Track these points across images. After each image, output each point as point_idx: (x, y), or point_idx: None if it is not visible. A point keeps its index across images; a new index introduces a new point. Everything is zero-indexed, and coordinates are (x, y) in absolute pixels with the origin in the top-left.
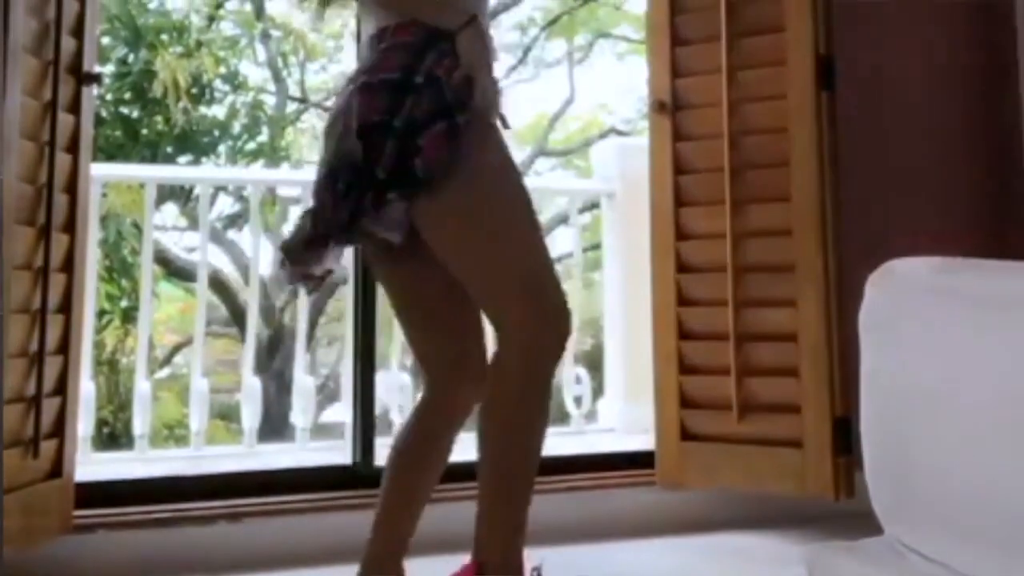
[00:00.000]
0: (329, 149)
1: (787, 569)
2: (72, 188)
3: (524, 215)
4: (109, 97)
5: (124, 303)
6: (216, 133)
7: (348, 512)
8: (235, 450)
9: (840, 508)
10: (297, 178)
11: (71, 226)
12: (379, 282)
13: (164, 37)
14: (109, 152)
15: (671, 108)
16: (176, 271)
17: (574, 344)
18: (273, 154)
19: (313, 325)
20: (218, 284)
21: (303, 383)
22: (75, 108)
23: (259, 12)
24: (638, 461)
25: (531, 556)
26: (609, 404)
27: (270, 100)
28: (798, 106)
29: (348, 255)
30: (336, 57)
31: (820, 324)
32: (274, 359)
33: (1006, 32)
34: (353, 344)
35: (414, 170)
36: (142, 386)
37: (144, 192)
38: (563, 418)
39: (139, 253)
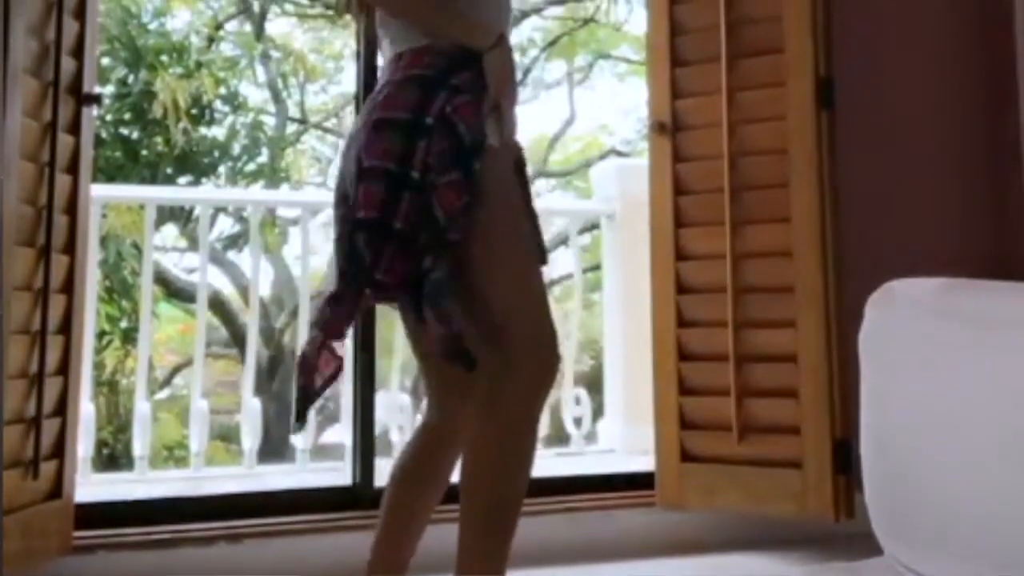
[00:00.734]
0: (344, 175)
1: None
2: (72, 209)
3: (524, 251)
4: (109, 118)
5: (124, 324)
6: (216, 154)
7: (348, 533)
8: (235, 471)
9: (840, 529)
10: (297, 199)
11: (71, 247)
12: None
13: (164, 58)
14: (109, 173)
15: (671, 129)
16: (176, 292)
17: (573, 365)
18: (273, 175)
19: None
20: (218, 305)
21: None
22: (75, 129)
23: (259, 33)
24: (638, 482)
25: None
26: (609, 425)
27: (270, 121)
28: (798, 127)
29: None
30: (336, 78)
31: (820, 345)
32: (274, 380)
33: (1006, 51)
34: (353, 365)
35: (438, 224)
36: (142, 407)
37: (144, 213)
38: (563, 439)
39: (139, 274)
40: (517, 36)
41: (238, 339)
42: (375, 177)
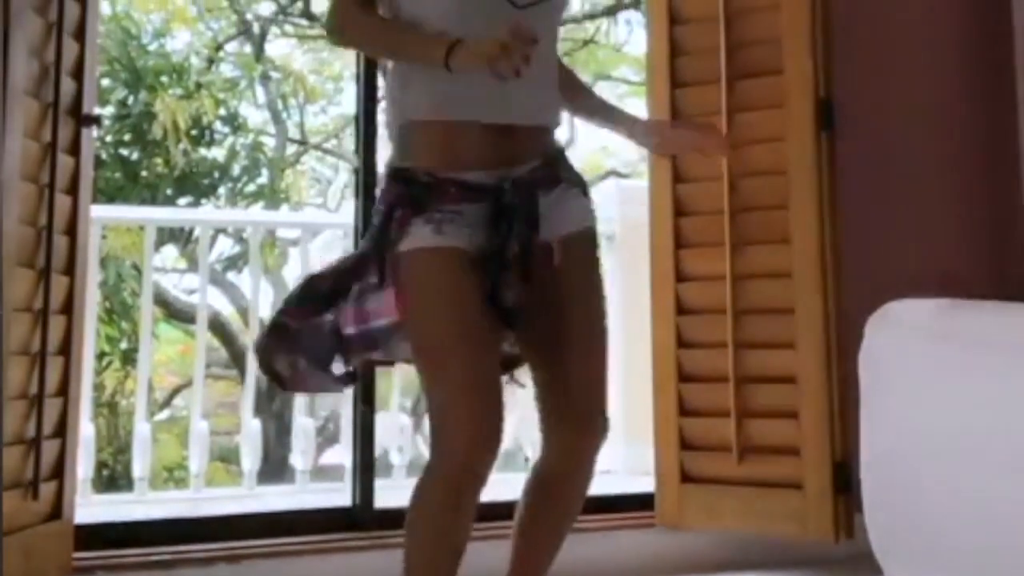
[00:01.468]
0: None
1: None
2: (72, 230)
3: (439, 338)
4: (109, 139)
5: (124, 345)
6: (216, 175)
7: (348, 554)
8: (235, 492)
9: (840, 550)
10: (297, 220)
11: (71, 268)
12: None
13: (164, 79)
14: (109, 194)
15: None
16: (176, 313)
17: None
18: (273, 196)
19: None
20: (218, 326)
21: (303, 425)
22: (75, 150)
23: (259, 54)
24: (638, 503)
25: None
26: (609, 446)
27: (270, 142)
28: (798, 148)
29: None
30: (336, 99)
31: (820, 366)
32: (274, 401)
33: (1006, 72)
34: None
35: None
36: (142, 428)
37: (144, 234)
38: None
39: (139, 295)
40: None
41: (238, 360)
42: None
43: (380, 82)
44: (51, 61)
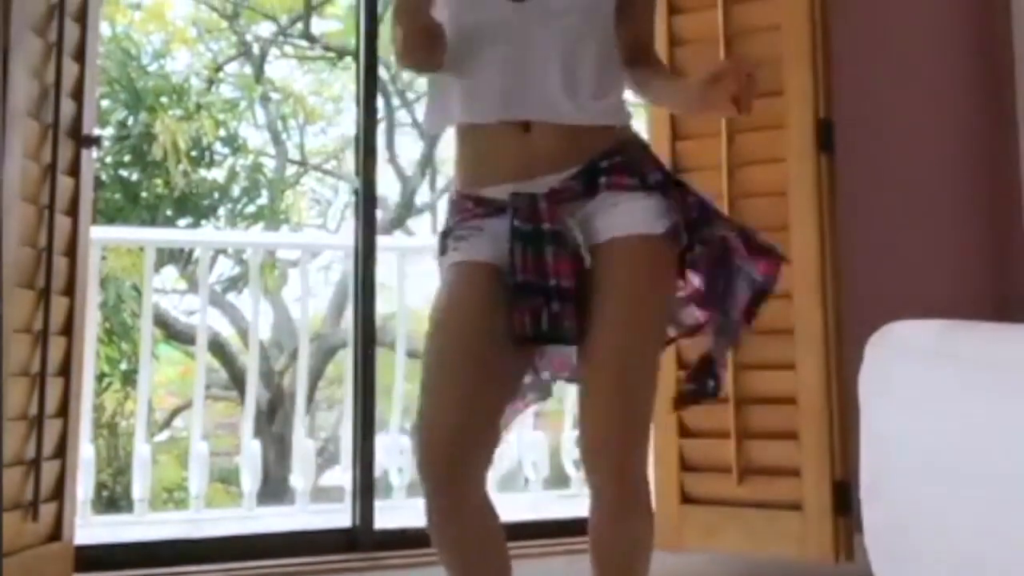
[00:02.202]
0: None
1: None
2: (72, 251)
3: (429, 354)
4: (109, 160)
5: (124, 366)
6: (216, 196)
7: (348, 575)
8: (234, 513)
9: (840, 571)
10: (297, 241)
11: (71, 289)
12: None
13: (164, 100)
14: (109, 215)
15: (671, 171)
16: (176, 334)
17: (573, 408)
18: (273, 217)
19: (312, 388)
20: (217, 347)
21: (303, 446)
22: (75, 171)
23: (259, 75)
24: None
25: None
26: None
27: (270, 163)
28: (797, 169)
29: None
30: (336, 120)
31: (820, 387)
32: (273, 422)
33: (1006, 92)
34: (353, 407)
35: None
36: (141, 449)
37: (144, 255)
38: (563, 481)
39: (139, 316)
40: None
41: (238, 381)
42: None
43: (380, 103)
44: (51, 82)
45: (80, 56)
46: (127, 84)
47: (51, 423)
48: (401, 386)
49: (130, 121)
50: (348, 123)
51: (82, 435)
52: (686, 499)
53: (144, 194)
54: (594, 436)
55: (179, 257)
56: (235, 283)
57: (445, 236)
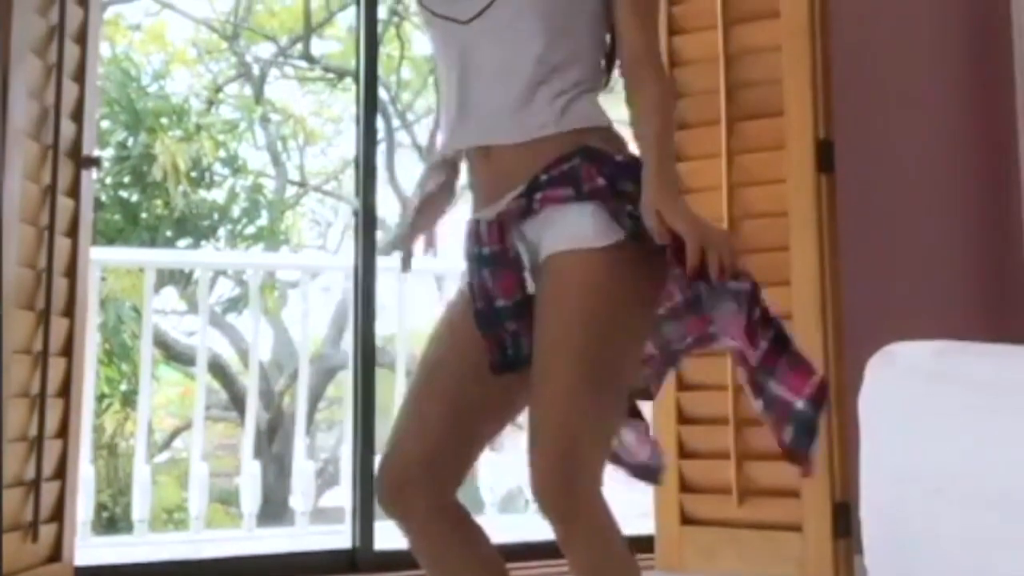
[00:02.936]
0: None
1: None
2: (71, 272)
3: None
4: (108, 181)
5: (124, 387)
6: (215, 217)
7: None
8: (234, 534)
9: None
10: (297, 262)
11: (70, 310)
12: None
13: (163, 121)
14: (109, 236)
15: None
16: (176, 355)
17: None
18: (272, 238)
19: (312, 409)
20: (217, 368)
21: (303, 467)
22: (74, 192)
23: (259, 96)
24: (637, 545)
25: None
26: (608, 488)
27: (269, 184)
28: (798, 190)
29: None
30: (336, 141)
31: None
32: (273, 443)
33: (1007, 112)
34: (353, 428)
35: None
36: (141, 470)
37: (143, 276)
38: None
39: (138, 337)
40: None
41: (238, 402)
42: None
43: (380, 124)
44: (51, 103)
45: (80, 77)
46: (127, 105)
47: (51, 444)
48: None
49: (130, 142)
50: (348, 144)
51: (82, 456)
52: (686, 520)
53: (144, 215)
54: (531, 476)
55: (179, 278)
56: (235, 304)
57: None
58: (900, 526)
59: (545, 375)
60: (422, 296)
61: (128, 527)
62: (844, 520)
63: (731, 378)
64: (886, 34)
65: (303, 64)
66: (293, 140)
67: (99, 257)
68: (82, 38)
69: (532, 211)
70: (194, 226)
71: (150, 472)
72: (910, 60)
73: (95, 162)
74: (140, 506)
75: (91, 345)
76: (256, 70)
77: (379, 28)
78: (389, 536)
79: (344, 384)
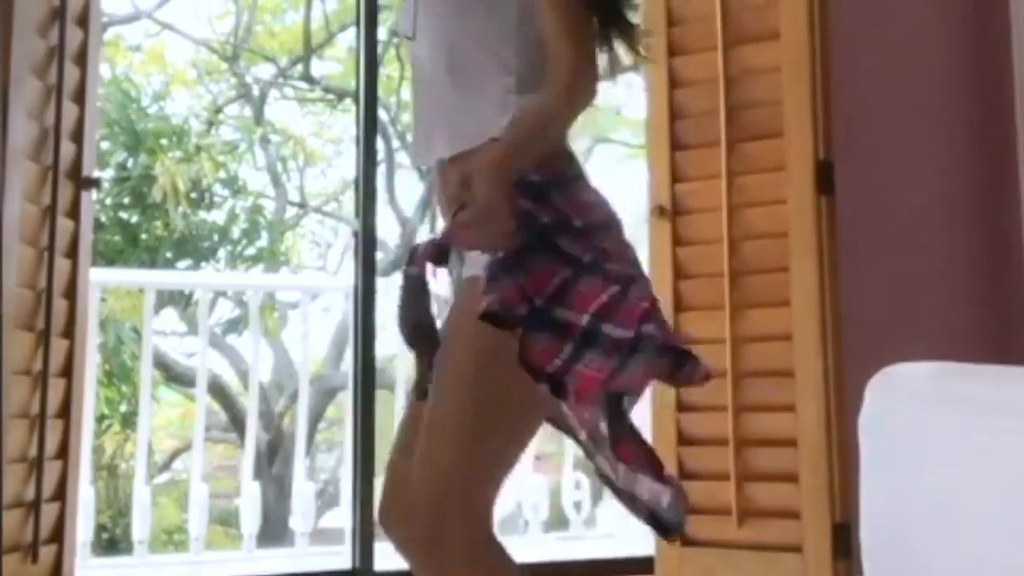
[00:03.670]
0: None
1: None
2: (71, 293)
3: None
4: (108, 202)
5: (123, 408)
6: (215, 238)
7: None
8: (235, 555)
9: None
10: (297, 283)
11: (70, 331)
12: None
13: (163, 142)
14: (108, 257)
15: (671, 213)
16: (175, 376)
17: (573, 450)
18: (272, 259)
19: (312, 430)
20: (217, 389)
21: (302, 488)
22: (74, 213)
23: (259, 117)
24: (638, 566)
25: None
26: (608, 509)
27: (269, 205)
28: (798, 211)
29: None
30: (336, 162)
31: (820, 429)
32: (273, 464)
33: (1007, 132)
34: (353, 449)
35: None
36: (141, 491)
37: (143, 297)
38: (563, 523)
39: (138, 358)
40: None
41: (237, 423)
42: None
43: (380, 145)
44: (51, 124)
45: (80, 98)
46: (127, 126)
47: (51, 465)
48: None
49: (130, 163)
50: (348, 165)
51: (82, 477)
52: (686, 541)
53: (144, 236)
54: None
55: (179, 299)
56: (235, 325)
57: None
58: (900, 547)
59: (432, 402)
60: None
61: (128, 548)
62: (844, 541)
63: (731, 399)
64: (886, 56)
65: (303, 85)
66: (293, 161)
67: (99, 278)
68: (82, 59)
69: None
70: (194, 247)
71: (150, 493)
72: (910, 82)
73: (95, 183)
74: (140, 527)
75: (91, 366)
76: (256, 91)
77: (379, 49)
78: (389, 557)
79: (344, 405)
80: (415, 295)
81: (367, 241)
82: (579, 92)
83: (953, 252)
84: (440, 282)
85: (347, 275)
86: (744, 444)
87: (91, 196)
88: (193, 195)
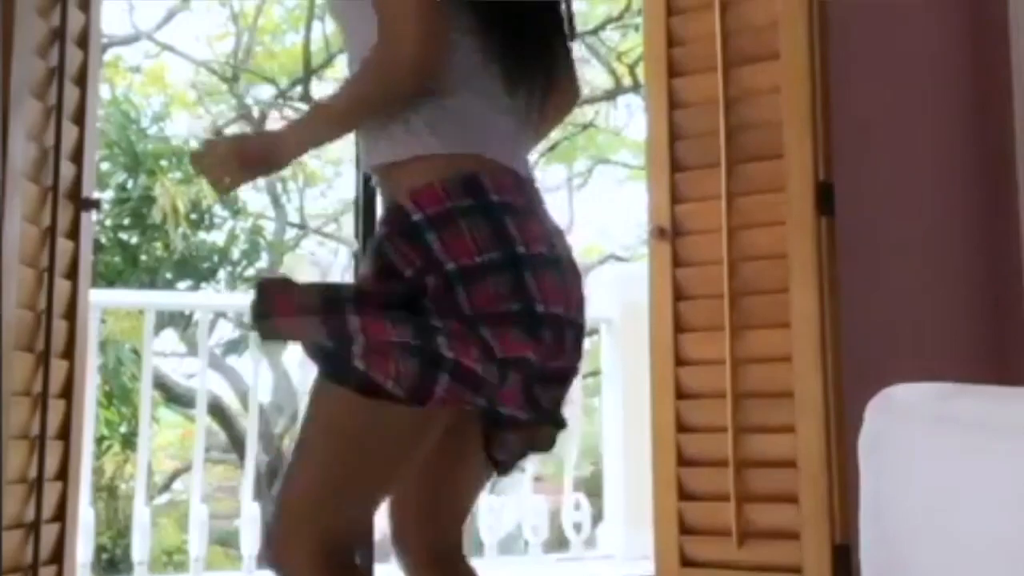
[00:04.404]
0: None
1: None
2: (71, 314)
3: None
4: (108, 223)
5: (123, 429)
6: (215, 259)
7: None
8: None
9: None
10: None
11: (70, 352)
12: None
13: (163, 163)
14: (108, 278)
15: (670, 234)
16: (175, 397)
17: (573, 470)
18: None
19: None
20: (217, 410)
21: None
22: (74, 234)
23: None
24: None
25: None
26: (609, 530)
27: (269, 226)
28: (797, 232)
29: None
30: (335, 183)
31: (819, 450)
32: (273, 485)
33: (1006, 154)
34: None
35: None
36: (141, 512)
37: (143, 318)
38: (563, 544)
39: (138, 379)
40: None
41: (237, 444)
42: None
43: None
44: (50, 145)
45: (80, 119)
46: (127, 147)
47: (51, 486)
48: None
49: (129, 184)
50: (347, 186)
51: (82, 498)
52: (686, 562)
53: (144, 257)
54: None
55: (179, 320)
56: (235, 346)
57: None
58: (900, 569)
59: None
60: None
61: (128, 569)
62: (844, 563)
63: (731, 420)
64: (886, 77)
65: (303, 106)
66: (293, 182)
67: (99, 299)
68: (82, 80)
69: None
70: (194, 268)
71: (150, 514)
72: (910, 103)
73: (95, 204)
74: (140, 548)
75: (91, 387)
76: (256, 112)
77: None
78: None
79: None
80: None
81: None
82: (382, 81)
83: (952, 273)
84: None
85: None
86: (744, 465)
87: (91, 217)
88: (193, 216)
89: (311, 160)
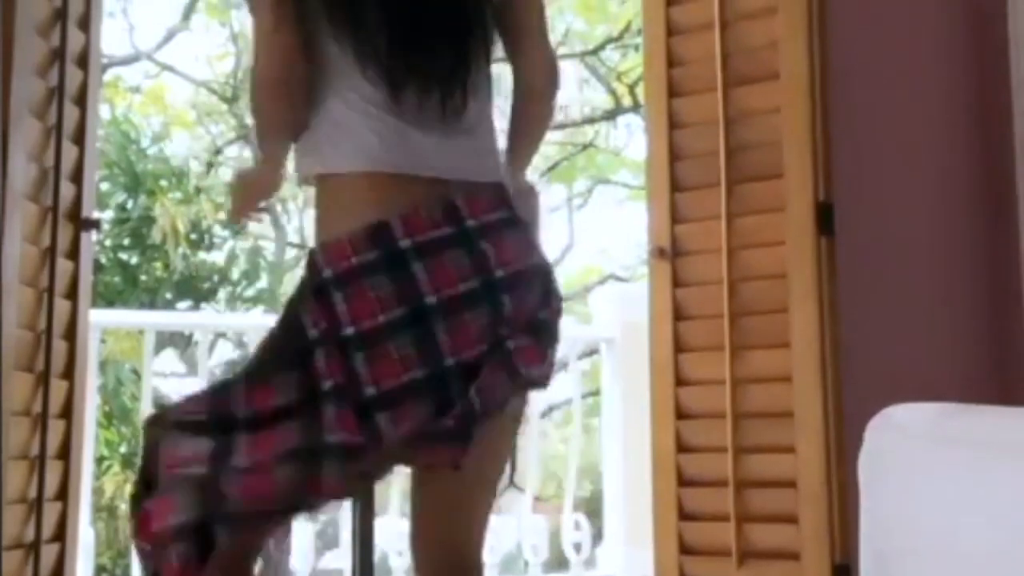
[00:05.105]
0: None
1: None
2: (71, 334)
3: None
4: (108, 243)
5: (123, 449)
6: (215, 279)
7: None
8: None
9: None
10: None
11: (70, 372)
12: None
13: (163, 183)
14: (108, 298)
15: (670, 254)
16: None
17: (573, 490)
18: (272, 300)
19: None
20: None
21: (302, 529)
22: (74, 254)
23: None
24: None
25: None
26: (608, 550)
27: (269, 246)
28: (797, 252)
29: None
30: None
31: (819, 470)
32: None
33: (1007, 173)
34: None
35: None
36: None
37: (143, 338)
38: (562, 564)
39: (138, 399)
40: None
41: None
42: None
43: None
44: (50, 165)
45: (79, 139)
46: (126, 167)
47: (50, 506)
48: (400, 469)
49: (129, 204)
50: None
51: (82, 518)
52: None
53: (143, 277)
54: None
55: (179, 340)
56: (235, 366)
57: None
58: None
59: None
60: None
61: None
62: None
63: (731, 440)
64: (886, 96)
65: None
66: (292, 202)
67: (99, 319)
68: (82, 100)
69: None
70: (194, 288)
71: None
72: (911, 123)
73: (95, 224)
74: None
75: (91, 407)
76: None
77: None
78: None
79: None
80: None
81: None
82: (251, 95)
83: (953, 293)
84: None
85: None
86: (744, 485)
87: (91, 237)
88: (193, 236)
89: None
